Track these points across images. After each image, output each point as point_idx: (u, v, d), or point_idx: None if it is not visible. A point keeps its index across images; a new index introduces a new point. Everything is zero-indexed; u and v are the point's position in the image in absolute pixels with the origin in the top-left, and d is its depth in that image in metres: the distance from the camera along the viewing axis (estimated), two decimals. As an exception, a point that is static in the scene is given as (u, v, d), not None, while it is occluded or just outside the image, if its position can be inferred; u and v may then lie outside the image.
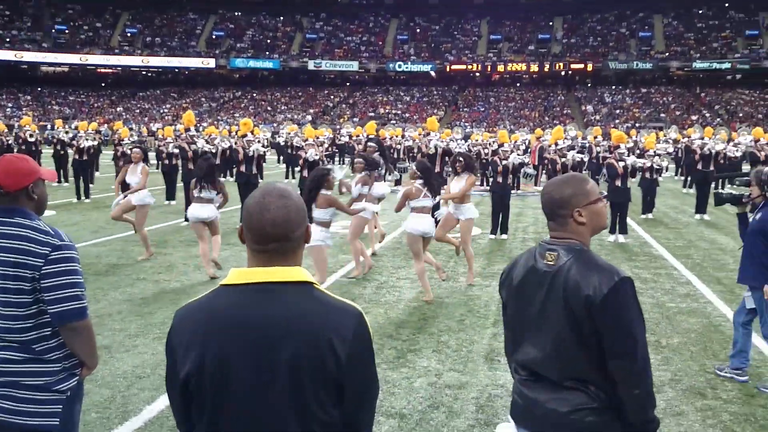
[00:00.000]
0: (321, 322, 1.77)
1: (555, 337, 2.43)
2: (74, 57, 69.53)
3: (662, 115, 59.79)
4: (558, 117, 59.54)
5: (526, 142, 27.94)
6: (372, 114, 62.40)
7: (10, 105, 66.39)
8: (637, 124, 53.40)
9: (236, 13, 77.06)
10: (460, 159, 9.63)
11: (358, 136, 27.90)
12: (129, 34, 73.69)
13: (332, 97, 70.61)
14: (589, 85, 68.88)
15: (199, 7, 76.11)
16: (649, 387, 2.38)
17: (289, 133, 28.49)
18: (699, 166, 18.18)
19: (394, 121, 53.78)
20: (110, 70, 74.85)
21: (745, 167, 22.60)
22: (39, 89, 71.23)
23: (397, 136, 28.73)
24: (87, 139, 19.17)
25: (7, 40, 68.70)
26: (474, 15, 73.90)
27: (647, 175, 15.78)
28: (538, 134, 29.28)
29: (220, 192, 9.43)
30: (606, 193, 2.65)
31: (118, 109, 68.29)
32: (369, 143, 12.31)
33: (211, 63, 70.24)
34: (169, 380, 1.86)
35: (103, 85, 74.77)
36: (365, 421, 1.87)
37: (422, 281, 8.47)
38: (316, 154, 14.15)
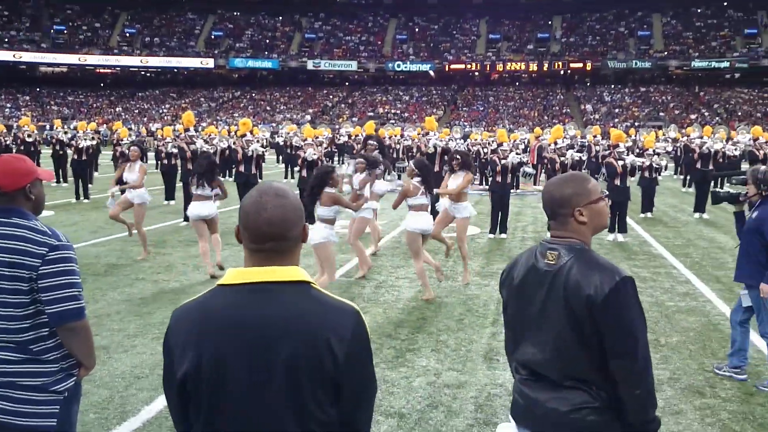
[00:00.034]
0: (319, 321, 1.77)
1: (556, 337, 2.42)
2: (73, 57, 69.50)
3: (661, 114, 59.81)
4: (557, 116, 59.54)
5: (525, 141, 27.94)
6: (371, 114, 62.40)
7: (8, 105, 66.39)
8: (636, 123, 53.41)
9: (235, 13, 77.03)
10: (457, 157, 9.63)
11: (357, 135, 27.88)
12: (128, 35, 73.67)
13: (331, 96, 70.61)
14: (588, 84, 68.88)
15: (198, 7, 76.09)
16: (650, 387, 2.37)
17: (288, 133, 28.48)
18: (698, 165, 18.20)
19: (393, 121, 53.75)
20: (109, 71, 74.82)
21: (744, 166, 22.59)
22: (38, 89, 71.23)
23: (396, 136, 28.73)
24: (85, 139, 19.15)
25: (6, 40, 68.68)
26: (473, 14, 73.90)
27: (646, 174, 15.78)
28: (537, 133, 29.27)
29: (218, 188, 9.45)
30: (608, 193, 2.63)
31: (117, 109, 68.28)
32: (369, 141, 12.31)
33: (210, 63, 70.22)
34: (166, 380, 1.86)
35: (102, 85, 74.75)
36: (363, 420, 1.86)
37: (422, 279, 8.47)
38: (315, 154, 14.16)
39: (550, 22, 72.40)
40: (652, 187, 16.30)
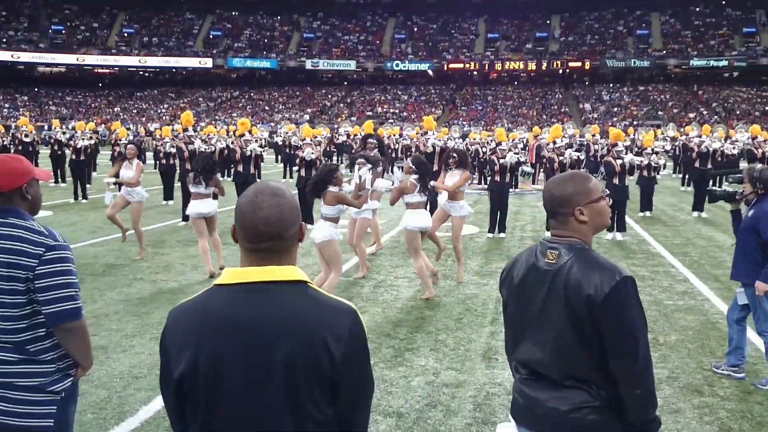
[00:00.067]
0: (316, 321, 1.77)
1: (556, 336, 2.41)
2: (71, 57, 69.48)
3: (660, 112, 59.84)
4: (556, 115, 59.56)
5: (524, 140, 27.93)
6: (370, 113, 62.41)
7: (7, 106, 66.39)
8: (634, 122, 53.45)
9: (233, 13, 77.01)
10: (454, 155, 9.60)
11: (356, 135, 27.88)
12: (126, 34, 73.64)
13: (330, 96, 70.59)
14: (587, 83, 68.90)
15: (196, 6, 76.05)
16: (650, 386, 2.37)
17: (287, 133, 28.46)
18: (697, 164, 18.21)
19: (391, 120, 53.74)
20: (107, 71, 74.80)
21: (743, 164, 22.62)
22: (36, 90, 71.21)
23: (394, 135, 28.71)
24: (83, 139, 19.11)
25: (4, 40, 68.67)
26: (471, 13, 73.92)
27: (645, 173, 15.79)
28: (535, 132, 29.27)
29: (215, 187, 9.48)
30: (608, 192, 2.62)
31: (115, 109, 68.27)
32: (369, 140, 12.30)
33: (208, 63, 70.20)
34: (163, 380, 1.86)
35: (100, 85, 74.73)
36: (360, 420, 1.86)
37: (422, 278, 8.47)
38: (313, 153, 14.13)
39: (548, 22, 72.41)
40: (651, 186, 16.31)
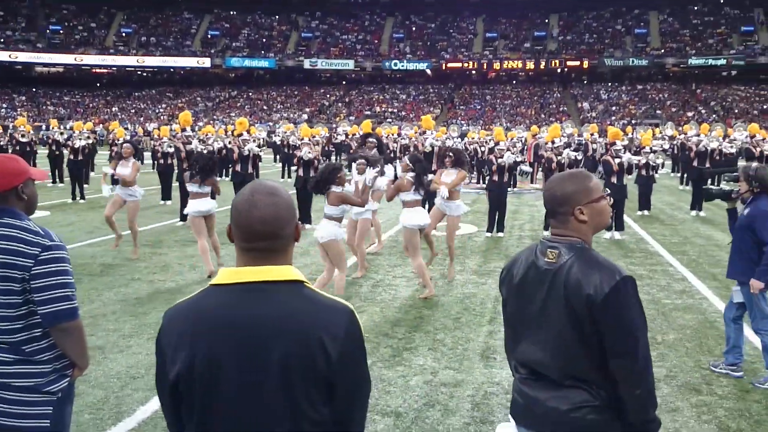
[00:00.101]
0: (311, 320, 1.76)
1: (556, 336, 2.40)
2: (69, 57, 69.45)
3: (658, 111, 59.88)
4: (554, 114, 59.59)
5: (523, 139, 27.92)
6: (368, 112, 62.45)
7: (4, 106, 66.33)
8: (633, 121, 53.48)
9: (231, 13, 76.99)
10: (450, 154, 9.55)
11: (354, 134, 27.86)
12: (124, 34, 73.61)
13: (328, 95, 70.58)
14: (585, 82, 68.93)
15: (194, 6, 76.02)
16: (650, 386, 2.36)
17: (285, 132, 28.44)
18: (695, 163, 18.23)
19: (390, 120, 53.74)
20: (105, 70, 74.75)
21: (741, 163, 22.64)
22: (34, 90, 71.17)
23: (393, 135, 28.69)
24: (80, 139, 19.08)
25: (2, 40, 68.61)
26: (470, 13, 73.92)
27: (643, 172, 15.79)
28: (534, 131, 29.28)
29: (212, 187, 9.48)
30: (609, 191, 2.61)
31: (113, 109, 68.23)
32: (369, 139, 12.27)
33: (206, 62, 70.17)
34: (158, 381, 1.85)
35: (98, 85, 74.71)
36: (357, 419, 1.85)
37: (422, 276, 8.46)
38: (310, 153, 14.11)
39: (546, 21, 72.43)
40: (649, 185, 16.31)
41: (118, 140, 20.81)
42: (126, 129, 38.66)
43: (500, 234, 13.14)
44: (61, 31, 72.31)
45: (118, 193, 10.57)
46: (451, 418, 4.97)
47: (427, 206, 11.29)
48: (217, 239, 9.76)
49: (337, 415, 1.80)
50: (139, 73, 75.31)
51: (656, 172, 16.67)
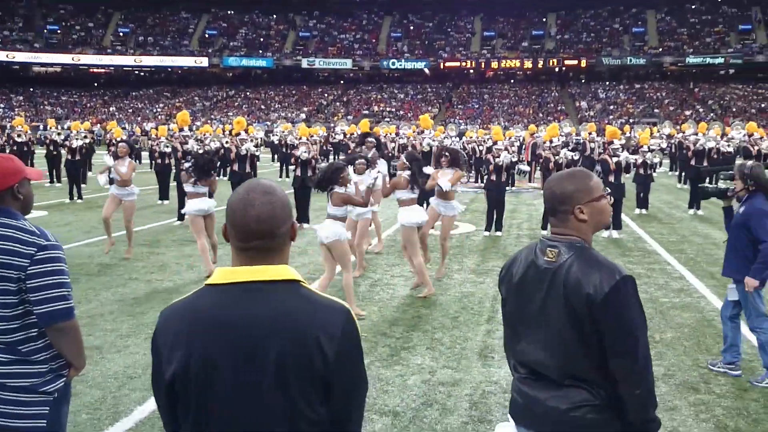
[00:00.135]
0: (308, 320, 1.75)
1: (555, 335, 2.39)
2: (66, 57, 69.38)
3: (656, 110, 59.91)
4: (552, 113, 59.60)
5: (521, 139, 27.91)
6: (366, 112, 62.42)
7: (2, 106, 66.26)
8: (630, 120, 53.50)
9: (229, 12, 76.93)
10: (446, 154, 9.52)
11: (352, 134, 27.83)
12: (121, 34, 73.52)
13: (326, 95, 70.56)
14: (583, 81, 68.96)
15: (191, 6, 75.96)
16: (650, 386, 2.35)
17: (283, 132, 28.42)
18: (692, 162, 18.24)
19: (388, 119, 53.73)
20: (103, 70, 74.67)
21: (739, 162, 22.66)
22: (31, 89, 71.09)
23: (390, 134, 28.68)
24: (77, 139, 19.05)
25: (-1, 40, 68.53)
26: (467, 12, 73.92)
27: (641, 170, 15.79)
28: (531, 130, 29.27)
29: (209, 187, 9.48)
30: (609, 191, 2.60)
31: (110, 108, 68.17)
32: (368, 139, 12.24)
33: (204, 62, 70.10)
34: (154, 381, 1.85)
35: (95, 84, 74.62)
36: (354, 419, 1.85)
37: (422, 275, 8.46)
38: (306, 152, 14.09)
39: (544, 20, 72.45)
40: (647, 184, 16.32)
41: (116, 140, 20.77)
42: (123, 129, 38.60)
43: (498, 233, 13.14)
44: (59, 31, 72.21)
45: (115, 193, 10.55)
46: (449, 418, 4.96)
47: (425, 206, 11.29)
48: (216, 239, 9.74)
49: (334, 414, 1.79)
50: (136, 72, 75.24)
51: (654, 171, 16.68)
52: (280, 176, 24.83)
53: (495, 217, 13.20)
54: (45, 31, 71.56)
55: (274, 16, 76.57)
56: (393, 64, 68.96)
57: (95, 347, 6.30)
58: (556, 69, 67.34)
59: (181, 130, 20.79)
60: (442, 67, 68.19)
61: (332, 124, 44.54)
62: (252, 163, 15.30)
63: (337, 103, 68.38)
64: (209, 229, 9.53)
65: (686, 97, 62.98)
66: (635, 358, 2.30)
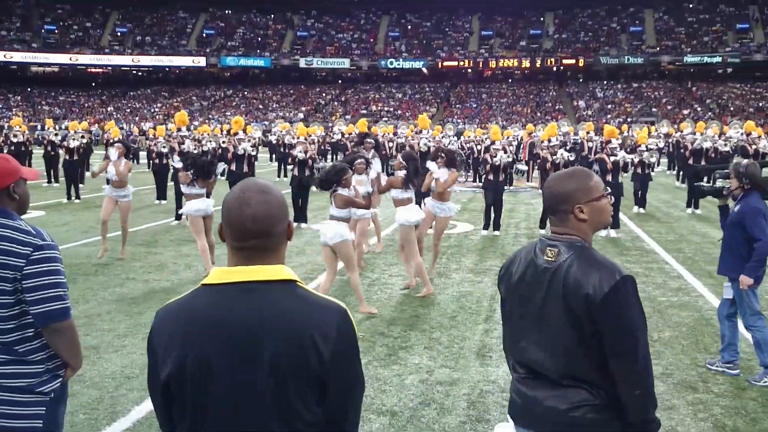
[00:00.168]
0: (304, 320, 1.74)
1: (555, 335, 2.38)
2: (64, 57, 69.29)
3: (654, 109, 59.94)
4: (550, 113, 59.62)
5: (519, 138, 27.90)
6: (364, 111, 62.36)
7: (0, 106, 66.09)
8: (628, 119, 53.49)
9: (227, 12, 76.86)
10: (442, 155, 9.50)
11: (350, 133, 27.81)
12: (119, 34, 73.43)
13: (324, 94, 70.51)
14: (581, 80, 68.93)
15: (189, 5, 75.87)
16: (650, 387, 2.34)
17: (281, 131, 28.40)
18: (690, 161, 18.26)
19: (386, 119, 53.70)
20: (100, 70, 74.56)
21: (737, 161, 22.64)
22: (29, 90, 70.96)
23: (388, 134, 28.67)
24: (74, 139, 19.02)
25: (-4, 40, 68.43)
26: (465, 11, 73.89)
27: (639, 169, 15.80)
28: (529, 130, 29.27)
29: (206, 188, 9.49)
30: (610, 190, 2.59)
31: (108, 108, 68.06)
32: (367, 140, 12.23)
33: (201, 62, 70.03)
34: (150, 381, 1.84)
35: (93, 84, 74.48)
36: (350, 419, 1.84)
37: (421, 274, 8.46)
38: (302, 151, 14.07)
39: (542, 19, 72.46)
40: (646, 183, 16.33)
41: (114, 140, 20.75)
42: (121, 129, 38.57)
43: (496, 233, 13.14)
44: (56, 31, 72.11)
45: (110, 195, 10.52)
46: (447, 417, 4.96)
47: (422, 206, 11.28)
48: (214, 239, 9.73)
49: (330, 414, 1.78)
50: (134, 72, 75.12)
51: (652, 170, 16.69)
52: (278, 176, 24.82)
53: (493, 216, 13.20)
54: (42, 31, 71.46)
55: (272, 15, 76.51)
56: (391, 63, 68.93)
57: (93, 347, 6.29)
58: (554, 68, 67.31)
59: (179, 130, 20.79)
60: (440, 66, 68.18)
61: (330, 124, 44.55)
62: (250, 162, 15.30)
63: (335, 103, 68.35)
64: (208, 230, 9.53)
65: (684, 96, 63.01)
66: (635, 358, 2.29)
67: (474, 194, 19.28)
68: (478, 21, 73.16)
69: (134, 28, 74.51)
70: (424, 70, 69.39)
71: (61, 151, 20.67)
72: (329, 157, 30.11)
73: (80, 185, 18.75)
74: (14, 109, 63.76)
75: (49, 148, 21.26)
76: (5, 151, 22.11)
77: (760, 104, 58.31)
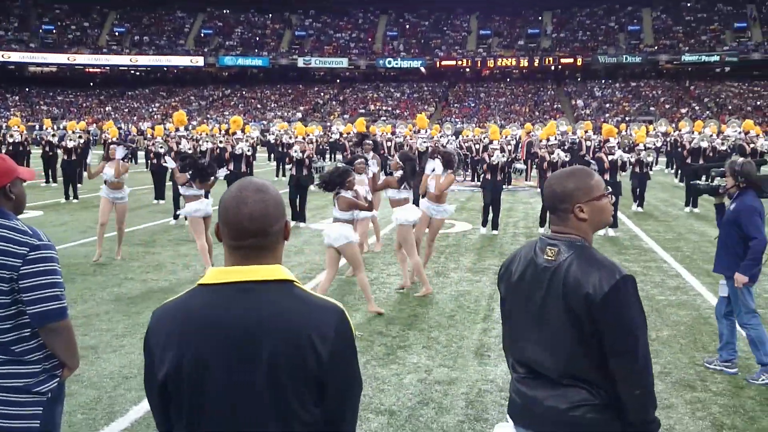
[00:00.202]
0: (302, 320, 1.74)
1: (555, 334, 2.37)
2: (62, 57, 69.20)
3: (652, 108, 59.96)
4: (548, 112, 59.63)
5: (517, 137, 27.91)
6: (362, 110, 62.34)
7: (-3, 106, 66.07)
8: (627, 118, 53.50)
9: (225, 11, 76.79)
10: (439, 156, 9.49)
11: (348, 133, 27.83)
12: (117, 34, 73.38)
13: (322, 94, 70.47)
14: (579, 79, 68.95)
15: (187, 5, 75.78)
16: (650, 386, 2.33)
17: (280, 131, 28.40)
18: (688, 160, 18.28)
19: (384, 118, 53.68)
20: (98, 70, 74.45)
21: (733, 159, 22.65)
22: (27, 89, 70.87)
23: (386, 134, 28.67)
24: (72, 140, 19.00)
25: (-6, 40, 68.35)
26: (463, 10, 73.88)
27: (637, 168, 15.81)
28: (528, 129, 29.28)
29: (204, 189, 9.50)
30: (611, 190, 2.57)
31: (106, 108, 67.98)
32: (366, 141, 12.23)
33: (199, 61, 69.97)
34: (147, 381, 1.83)
35: (91, 84, 74.38)
36: (348, 419, 1.83)
37: (420, 274, 8.45)
38: (298, 151, 14.06)
39: (540, 18, 72.47)
40: (644, 182, 16.34)
41: (112, 140, 20.74)
42: (120, 128, 38.54)
43: (495, 232, 13.14)
44: (54, 31, 72.04)
45: (107, 196, 10.50)
46: (445, 416, 4.96)
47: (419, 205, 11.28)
48: (212, 240, 9.73)
49: (328, 414, 1.78)
50: (132, 72, 75.04)
51: (651, 169, 16.71)
52: (277, 175, 24.80)
53: (491, 215, 13.21)
54: (40, 30, 71.40)
55: (270, 15, 76.46)
56: (389, 62, 68.90)
57: (91, 347, 6.28)
58: (552, 67, 67.29)
59: (176, 130, 20.78)
60: (438, 65, 68.14)
61: (328, 123, 44.55)
62: (248, 162, 15.29)
63: (334, 102, 68.33)
64: (208, 230, 9.53)
65: (682, 95, 63.06)
66: (635, 358, 2.28)
67: (472, 193, 19.28)
68: (476, 20, 73.16)
69: (132, 28, 74.45)
70: (423, 69, 69.36)
71: (59, 151, 20.65)
72: (328, 156, 30.14)
73: (78, 185, 18.73)
74: (12, 109, 63.69)
75: (47, 148, 21.24)
76: (3, 151, 22.11)
77: (758, 103, 58.35)
